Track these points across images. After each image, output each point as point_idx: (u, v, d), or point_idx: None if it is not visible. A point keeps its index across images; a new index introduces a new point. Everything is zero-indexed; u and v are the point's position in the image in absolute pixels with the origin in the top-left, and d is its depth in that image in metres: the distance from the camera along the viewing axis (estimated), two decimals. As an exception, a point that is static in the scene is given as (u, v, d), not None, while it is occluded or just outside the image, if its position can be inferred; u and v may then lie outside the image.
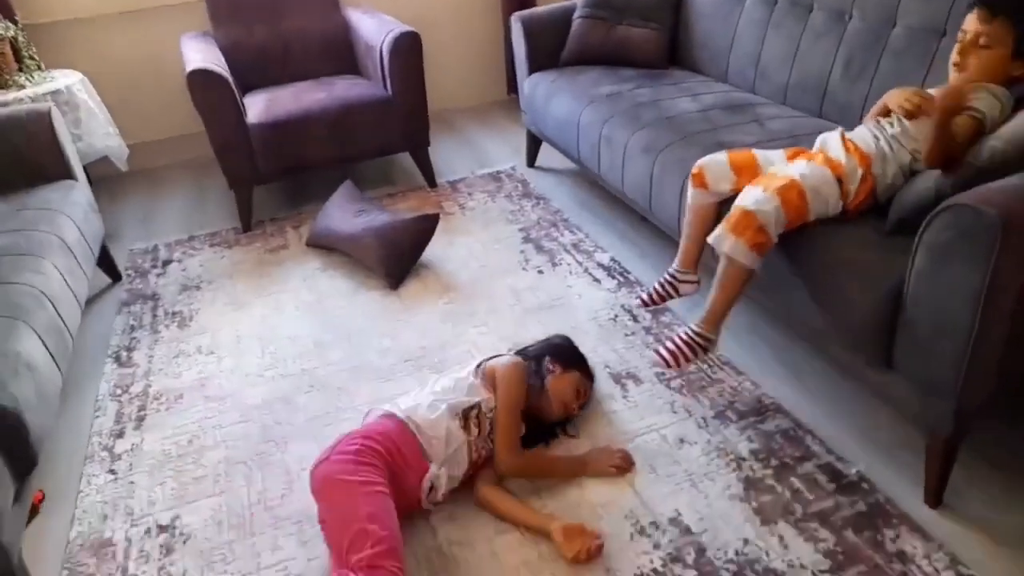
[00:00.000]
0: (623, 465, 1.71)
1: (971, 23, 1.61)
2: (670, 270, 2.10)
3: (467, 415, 1.66)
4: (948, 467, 1.54)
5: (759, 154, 1.92)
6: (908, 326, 1.46)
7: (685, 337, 1.80)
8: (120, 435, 1.98)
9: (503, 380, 1.72)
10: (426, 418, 1.63)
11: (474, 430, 1.66)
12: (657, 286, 2.12)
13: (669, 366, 1.81)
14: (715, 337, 1.81)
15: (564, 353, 1.90)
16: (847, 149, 1.74)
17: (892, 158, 1.70)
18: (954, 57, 1.65)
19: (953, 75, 1.67)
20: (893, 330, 1.51)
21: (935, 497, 1.56)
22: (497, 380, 1.72)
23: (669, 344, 1.82)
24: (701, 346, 1.80)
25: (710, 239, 1.75)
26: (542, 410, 1.80)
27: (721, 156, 1.95)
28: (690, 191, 1.98)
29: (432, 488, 1.60)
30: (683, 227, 2.05)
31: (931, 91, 1.68)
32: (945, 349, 1.38)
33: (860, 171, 1.70)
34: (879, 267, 1.54)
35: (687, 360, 1.80)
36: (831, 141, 1.81)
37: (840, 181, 1.70)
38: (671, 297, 2.12)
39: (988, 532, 1.51)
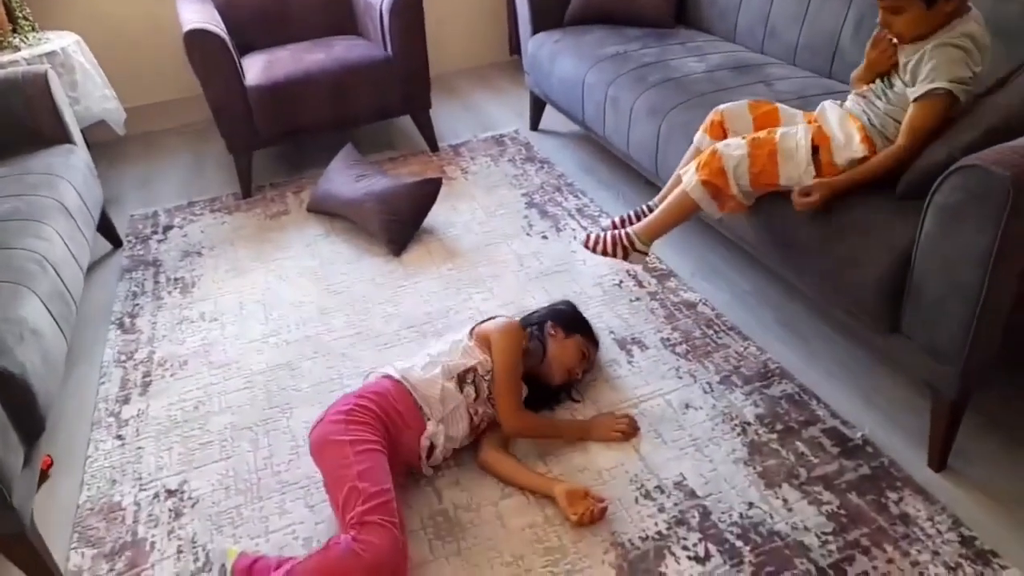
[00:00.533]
0: (627, 431, 1.71)
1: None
2: (649, 203, 2.07)
3: (463, 378, 1.67)
4: (953, 431, 1.54)
5: (782, 108, 1.88)
6: (916, 289, 1.45)
7: (619, 236, 1.91)
8: (126, 401, 1.99)
9: (497, 342, 1.70)
10: (421, 378, 1.64)
11: (471, 392, 1.67)
12: (632, 213, 2.10)
13: (586, 246, 1.97)
14: (646, 249, 1.91)
15: (566, 317, 1.90)
16: (851, 125, 1.68)
17: (877, 135, 1.64)
18: (877, 32, 1.64)
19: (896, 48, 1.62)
20: (901, 293, 1.50)
21: (939, 460, 1.57)
22: (492, 343, 1.71)
23: (601, 232, 1.95)
24: (626, 249, 1.91)
25: (680, 171, 1.85)
26: (544, 375, 1.79)
27: (742, 103, 1.91)
28: (700, 136, 1.94)
29: (431, 448, 1.61)
30: (666, 187, 2.03)
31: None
32: (953, 311, 1.37)
33: (863, 149, 1.63)
34: (889, 229, 1.52)
35: (604, 252, 1.93)
36: (829, 112, 1.74)
37: (817, 150, 1.66)
38: (616, 257, 1.97)
39: (990, 493, 1.52)
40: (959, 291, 1.35)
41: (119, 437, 1.87)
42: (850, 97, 1.75)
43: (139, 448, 1.83)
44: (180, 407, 1.95)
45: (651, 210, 2.02)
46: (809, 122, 1.78)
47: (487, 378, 1.69)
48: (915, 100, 1.54)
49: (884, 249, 1.51)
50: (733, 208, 1.80)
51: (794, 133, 1.70)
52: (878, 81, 1.69)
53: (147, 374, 2.08)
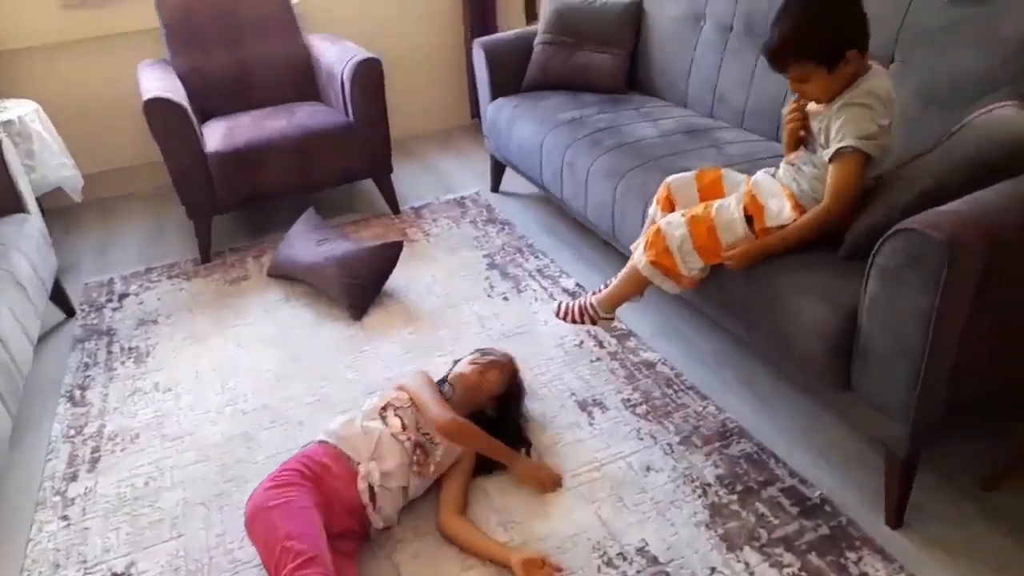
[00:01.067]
0: (547, 483, 1.73)
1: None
2: (593, 302, 2.09)
3: (382, 414, 1.72)
4: (907, 487, 1.56)
5: (726, 173, 1.94)
6: (864, 348, 1.48)
7: (584, 304, 2.08)
8: (73, 478, 1.92)
9: (404, 380, 1.85)
10: (341, 423, 1.71)
11: (396, 423, 1.70)
12: (578, 308, 2.13)
13: (557, 315, 2.16)
14: (609, 316, 2.07)
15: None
16: (785, 195, 1.73)
17: (809, 200, 1.70)
18: (793, 102, 1.74)
19: (811, 106, 1.70)
20: (851, 352, 1.53)
21: (896, 517, 1.58)
22: (401, 384, 1.83)
23: (571, 302, 2.15)
24: (591, 318, 2.07)
25: (632, 246, 1.97)
26: (467, 405, 1.82)
27: (688, 174, 1.97)
28: (653, 209, 2.00)
29: (372, 492, 1.58)
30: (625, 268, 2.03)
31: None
32: (899, 370, 1.41)
33: (793, 216, 1.69)
34: (835, 291, 1.56)
35: (573, 320, 2.12)
36: (762, 182, 1.80)
37: (751, 220, 1.73)
38: (584, 325, 2.16)
39: (946, 548, 1.53)
40: (904, 351, 1.38)
41: (64, 517, 1.80)
42: (781, 166, 1.81)
43: (85, 528, 1.76)
44: (130, 483, 1.89)
45: (596, 313, 2.10)
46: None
47: (408, 406, 1.74)
48: (830, 161, 1.60)
49: (832, 309, 1.54)
50: (689, 284, 1.84)
51: (727, 205, 1.77)
52: (802, 148, 1.76)
53: (96, 449, 2.02)
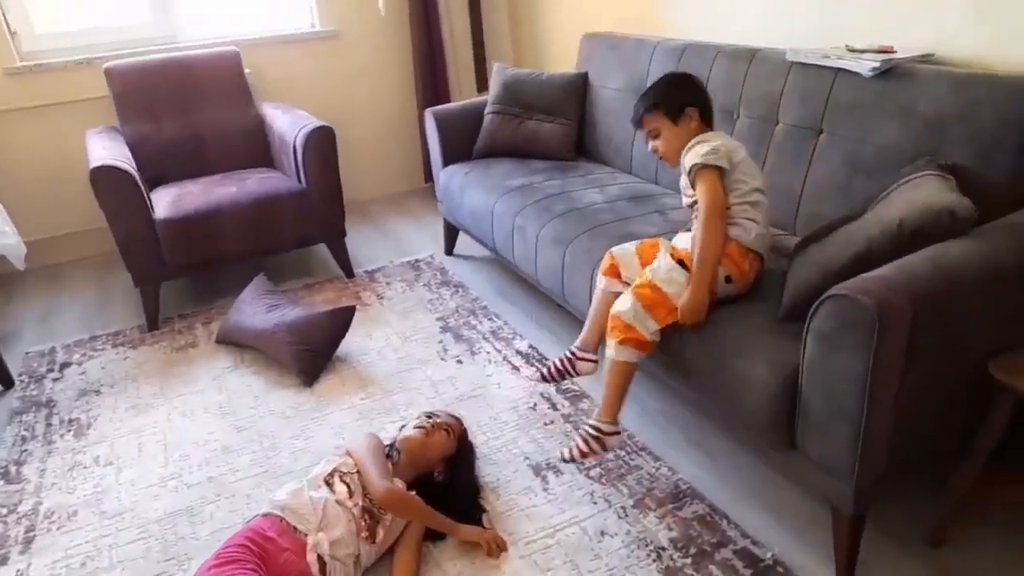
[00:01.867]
0: (491, 547, 1.74)
1: (642, 134, 2.03)
2: (571, 348, 2.15)
3: (328, 481, 1.70)
4: (855, 544, 1.58)
5: (663, 243, 2.01)
6: (804, 410, 1.53)
7: (591, 432, 1.86)
8: (4, 561, 1.83)
9: (352, 442, 1.83)
10: (287, 492, 1.67)
11: (343, 489, 1.68)
12: (557, 362, 2.17)
13: (565, 460, 1.91)
14: (616, 428, 1.88)
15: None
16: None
17: None
18: (657, 153, 2.00)
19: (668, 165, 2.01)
20: (794, 413, 1.57)
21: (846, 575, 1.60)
22: (348, 448, 1.81)
23: (580, 443, 1.87)
24: (601, 441, 1.86)
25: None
26: (414, 469, 1.82)
27: (629, 246, 2.06)
28: (600, 278, 2.06)
29: (323, 564, 1.55)
30: (589, 310, 2.12)
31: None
32: (839, 432, 1.45)
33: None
34: (776, 353, 1.61)
35: (584, 457, 1.87)
36: (680, 238, 1.97)
37: (684, 264, 1.83)
38: (569, 376, 2.17)
39: (897, 609, 1.55)
40: (843, 411, 1.43)
41: (-8, 604, 1.71)
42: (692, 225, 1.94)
43: (15, 616, 1.67)
44: (65, 564, 1.80)
45: (574, 355, 2.14)
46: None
47: (355, 472, 1.72)
48: (693, 187, 1.86)
49: (772, 370, 1.59)
50: (652, 347, 1.85)
51: (658, 263, 1.87)
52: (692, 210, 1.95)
53: (31, 528, 1.93)
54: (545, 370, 2.21)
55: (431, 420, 1.92)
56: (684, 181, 1.92)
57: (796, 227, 2.20)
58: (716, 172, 1.81)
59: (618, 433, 1.88)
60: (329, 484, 1.70)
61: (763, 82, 2.32)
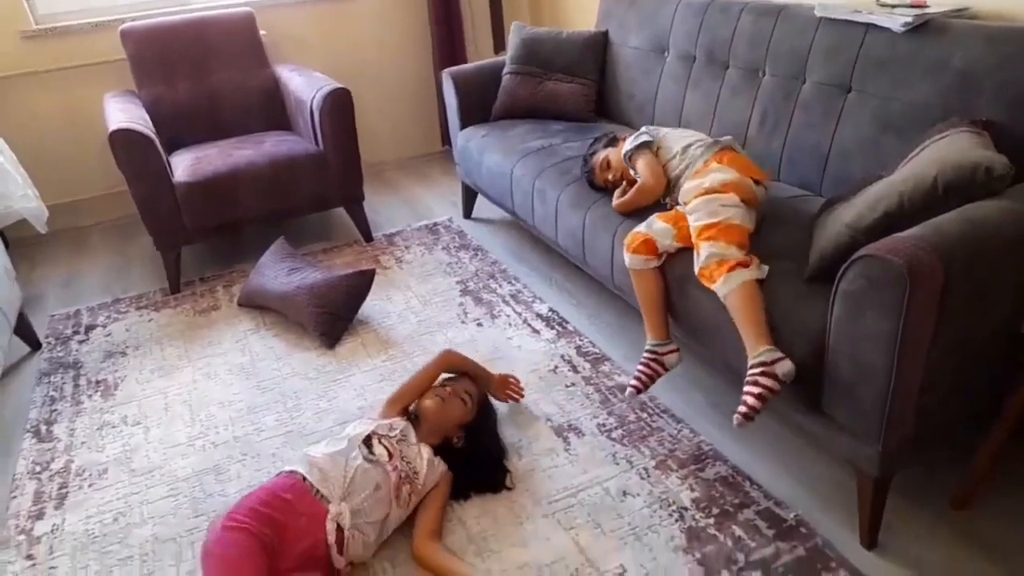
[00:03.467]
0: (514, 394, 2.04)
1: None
2: (648, 347, 1.98)
3: (368, 443, 1.71)
4: (880, 507, 1.58)
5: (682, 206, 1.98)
6: (832, 372, 1.52)
7: (757, 381, 1.58)
8: (39, 516, 1.87)
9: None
10: (325, 454, 1.67)
11: (381, 451, 1.69)
12: (642, 367, 1.96)
13: (743, 423, 1.59)
14: (776, 354, 1.60)
15: None
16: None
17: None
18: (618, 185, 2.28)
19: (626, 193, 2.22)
20: (820, 376, 1.56)
21: (870, 538, 1.60)
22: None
23: (742, 409, 1.59)
24: (771, 377, 1.58)
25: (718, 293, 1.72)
26: (434, 435, 1.83)
27: (652, 221, 1.98)
28: (632, 260, 1.97)
29: (341, 531, 1.56)
30: (640, 303, 2.00)
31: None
32: (866, 394, 1.44)
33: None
34: (803, 314, 1.60)
35: (760, 407, 1.57)
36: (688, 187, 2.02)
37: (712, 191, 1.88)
38: (659, 374, 1.97)
39: (920, 568, 1.55)
40: (870, 374, 1.42)
41: (30, 557, 1.75)
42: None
43: (52, 568, 1.71)
44: (99, 520, 1.84)
45: (655, 352, 1.97)
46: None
47: (393, 435, 1.74)
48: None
49: (799, 333, 1.58)
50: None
51: (697, 207, 1.87)
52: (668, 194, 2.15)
53: (63, 485, 1.97)
54: (636, 381, 1.95)
55: (446, 388, 1.92)
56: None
57: (822, 187, 2.16)
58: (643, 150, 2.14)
59: (782, 357, 1.60)
60: (368, 447, 1.70)
61: (790, 39, 2.26)
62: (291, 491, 1.57)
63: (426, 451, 1.77)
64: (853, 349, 1.45)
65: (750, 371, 1.61)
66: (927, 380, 1.40)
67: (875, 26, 2.01)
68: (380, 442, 1.72)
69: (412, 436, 1.80)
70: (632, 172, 2.21)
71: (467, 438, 1.88)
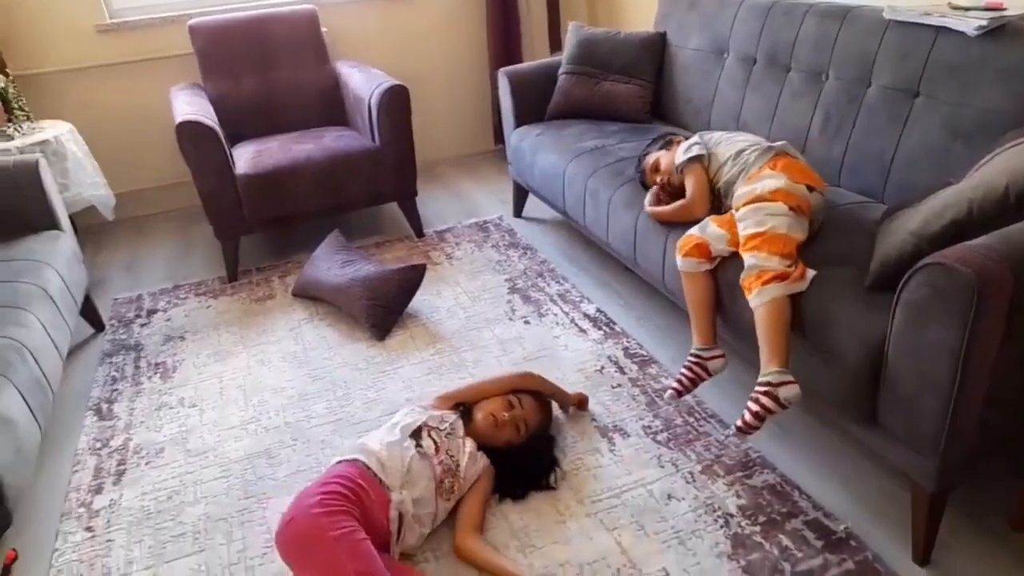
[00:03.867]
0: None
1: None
2: (693, 351, 1.96)
3: (417, 434, 1.73)
4: (935, 523, 1.54)
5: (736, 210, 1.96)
6: (891, 383, 1.48)
7: (757, 399, 1.65)
8: (99, 491, 1.95)
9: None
10: (382, 443, 1.69)
11: (428, 444, 1.71)
12: (685, 371, 1.95)
13: (743, 433, 1.69)
14: (787, 376, 1.64)
15: None
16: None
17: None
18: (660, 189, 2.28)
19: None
20: (877, 386, 1.52)
21: (923, 554, 1.55)
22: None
23: (745, 413, 1.67)
24: (773, 398, 1.64)
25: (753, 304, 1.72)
26: (491, 438, 1.83)
27: (706, 224, 1.98)
28: (684, 263, 1.96)
29: (401, 520, 1.58)
30: (689, 306, 1.99)
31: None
32: (927, 406, 1.40)
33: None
34: (862, 323, 1.56)
35: (759, 422, 1.66)
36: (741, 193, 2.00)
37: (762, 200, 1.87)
38: (702, 379, 1.95)
39: (976, 589, 1.50)
40: (932, 386, 1.38)
41: (89, 529, 1.82)
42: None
43: (109, 541, 1.78)
44: (154, 497, 1.91)
45: (700, 356, 1.95)
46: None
47: (443, 428, 1.76)
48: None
49: (858, 342, 1.54)
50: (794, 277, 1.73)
51: (747, 216, 1.86)
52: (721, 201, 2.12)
53: (122, 462, 2.04)
54: (677, 384, 1.95)
55: (506, 414, 1.85)
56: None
57: (885, 195, 2.11)
58: (694, 164, 2.11)
59: (790, 379, 1.63)
60: (417, 438, 1.72)
61: (856, 41, 2.21)
62: (362, 478, 1.59)
63: (470, 444, 1.78)
64: (914, 360, 1.41)
65: (756, 387, 1.67)
66: (992, 393, 1.36)
67: (947, 29, 1.96)
68: (429, 435, 1.74)
69: (460, 430, 1.81)
70: (681, 178, 2.18)
71: (517, 451, 1.86)
